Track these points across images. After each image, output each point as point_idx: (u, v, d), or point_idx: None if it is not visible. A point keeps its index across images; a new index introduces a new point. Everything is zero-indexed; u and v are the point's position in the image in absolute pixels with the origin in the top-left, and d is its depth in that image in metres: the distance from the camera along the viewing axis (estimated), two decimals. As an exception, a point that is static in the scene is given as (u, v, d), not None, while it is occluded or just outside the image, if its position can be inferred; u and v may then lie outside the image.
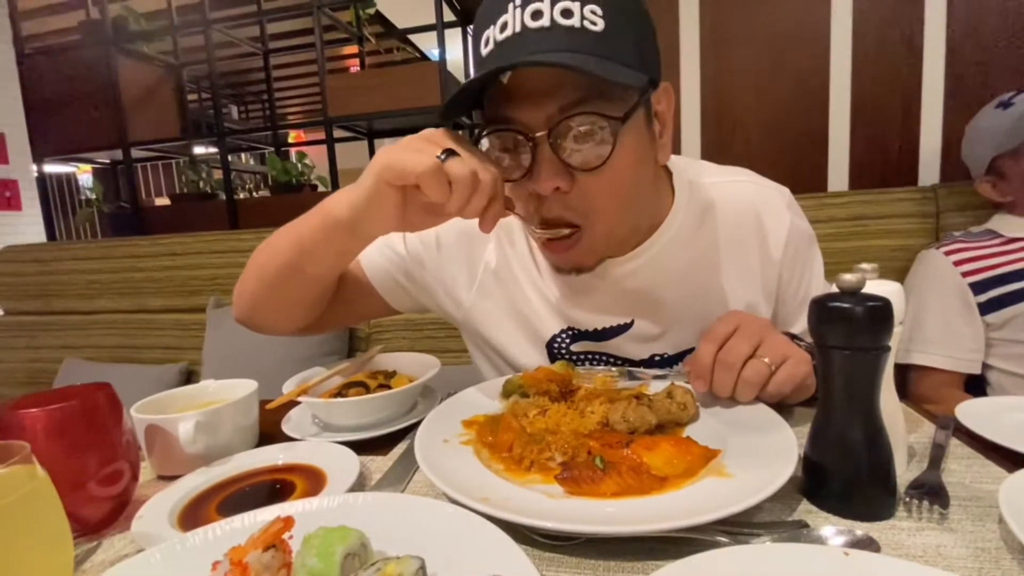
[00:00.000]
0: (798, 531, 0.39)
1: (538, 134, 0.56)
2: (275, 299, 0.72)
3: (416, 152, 0.52)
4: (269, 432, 0.68)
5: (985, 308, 1.10)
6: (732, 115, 1.74)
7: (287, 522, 0.36)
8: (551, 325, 0.76)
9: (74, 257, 1.92)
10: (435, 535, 0.39)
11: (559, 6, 0.53)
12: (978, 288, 1.11)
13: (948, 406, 0.62)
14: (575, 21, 0.53)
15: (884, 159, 1.66)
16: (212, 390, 0.69)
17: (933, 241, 1.36)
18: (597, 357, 0.76)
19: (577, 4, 0.53)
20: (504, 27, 0.54)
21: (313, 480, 0.55)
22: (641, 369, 0.67)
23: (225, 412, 0.62)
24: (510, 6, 0.54)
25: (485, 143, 0.62)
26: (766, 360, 0.56)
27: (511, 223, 0.77)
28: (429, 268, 0.79)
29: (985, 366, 1.14)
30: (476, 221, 0.69)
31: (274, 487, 0.55)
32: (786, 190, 0.76)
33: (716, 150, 1.76)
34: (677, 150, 1.80)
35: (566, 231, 0.61)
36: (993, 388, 1.14)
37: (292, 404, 0.74)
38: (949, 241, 1.20)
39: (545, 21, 0.53)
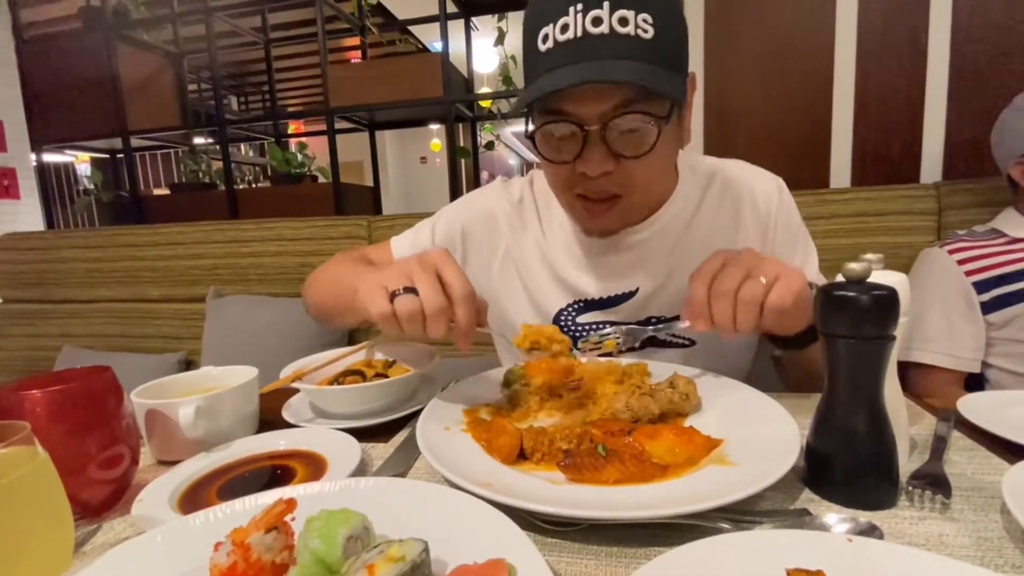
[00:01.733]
0: (801, 519, 0.39)
1: (592, 128, 0.62)
2: (339, 324, 0.86)
3: (375, 293, 0.56)
4: (269, 419, 0.68)
5: (987, 307, 1.10)
6: (736, 110, 1.74)
7: (289, 504, 0.36)
8: (558, 300, 0.83)
9: (73, 245, 1.92)
10: (438, 520, 0.39)
11: (617, 15, 0.58)
12: (981, 287, 1.10)
13: (949, 403, 0.61)
14: (630, 29, 0.58)
15: (887, 156, 1.65)
16: (213, 376, 0.69)
17: (935, 239, 1.35)
18: (601, 326, 0.81)
19: (632, 12, 0.58)
20: (565, 28, 0.59)
21: (314, 466, 0.55)
22: (640, 327, 0.69)
23: (226, 397, 0.61)
24: (571, 9, 0.59)
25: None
26: (760, 279, 0.55)
27: (523, 206, 0.86)
28: (458, 257, 0.86)
29: (985, 365, 1.13)
30: (493, 204, 0.87)
31: (275, 472, 0.55)
32: (778, 177, 0.83)
33: (719, 145, 1.76)
34: (680, 144, 1.79)
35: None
36: (992, 387, 1.14)
37: (292, 392, 0.74)
38: (953, 239, 1.20)
39: (604, 28, 0.58)
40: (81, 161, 5.66)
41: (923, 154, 1.62)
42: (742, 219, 0.80)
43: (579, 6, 0.58)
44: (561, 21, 0.59)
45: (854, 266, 0.43)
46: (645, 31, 0.58)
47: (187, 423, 0.57)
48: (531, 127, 0.66)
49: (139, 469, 0.55)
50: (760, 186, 0.81)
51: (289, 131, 4.38)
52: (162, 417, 0.58)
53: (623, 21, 0.58)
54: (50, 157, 3.75)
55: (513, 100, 2.90)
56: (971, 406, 0.59)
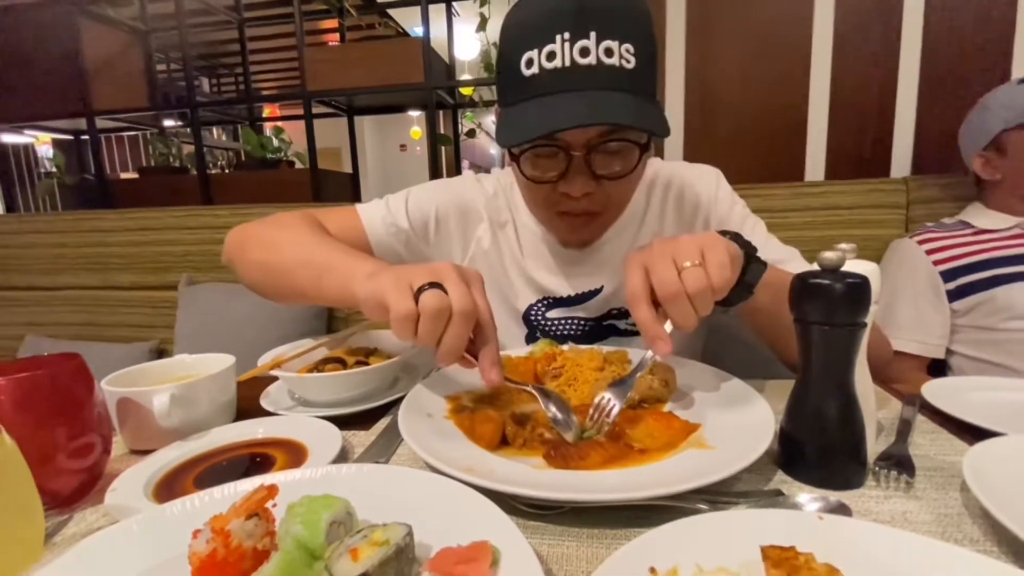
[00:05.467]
0: (775, 499, 0.41)
1: (577, 153, 0.65)
2: (277, 295, 0.77)
3: (401, 290, 0.48)
4: (247, 408, 0.67)
5: (953, 295, 1.15)
6: (716, 105, 1.75)
7: (271, 490, 0.36)
8: (528, 298, 0.86)
9: (36, 230, 1.84)
10: (421, 504, 0.39)
11: (603, 45, 0.60)
12: (948, 276, 1.15)
13: (914, 388, 0.64)
14: (615, 60, 0.61)
15: (860, 151, 1.69)
16: (188, 364, 0.67)
17: (903, 232, 1.40)
18: (568, 320, 0.85)
19: (616, 43, 0.61)
20: (551, 56, 0.61)
21: (294, 454, 0.54)
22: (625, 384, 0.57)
23: (201, 386, 0.60)
24: (558, 38, 0.61)
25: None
26: (688, 264, 0.49)
27: (496, 202, 0.87)
28: (430, 240, 0.86)
29: (948, 351, 1.18)
30: (468, 197, 0.87)
31: (254, 460, 0.54)
32: (715, 168, 0.88)
33: (700, 137, 1.77)
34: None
35: None
36: (954, 372, 1.19)
37: (270, 380, 0.73)
38: (922, 230, 1.24)
39: (592, 59, 0.61)
40: (42, 142, 5.39)
41: (894, 150, 1.67)
42: (683, 214, 0.85)
43: (566, 35, 0.60)
44: (547, 48, 0.61)
45: (829, 255, 0.45)
46: (628, 61, 0.61)
47: (161, 412, 0.55)
48: (516, 151, 0.68)
49: (112, 459, 0.54)
50: (697, 181, 0.85)
51: (264, 115, 4.26)
52: (135, 406, 0.57)
53: (609, 52, 0.60)
54: (8, 138, 3.58)
55: (494, 88, 2.87)
56: (934, 391, 0.61)
